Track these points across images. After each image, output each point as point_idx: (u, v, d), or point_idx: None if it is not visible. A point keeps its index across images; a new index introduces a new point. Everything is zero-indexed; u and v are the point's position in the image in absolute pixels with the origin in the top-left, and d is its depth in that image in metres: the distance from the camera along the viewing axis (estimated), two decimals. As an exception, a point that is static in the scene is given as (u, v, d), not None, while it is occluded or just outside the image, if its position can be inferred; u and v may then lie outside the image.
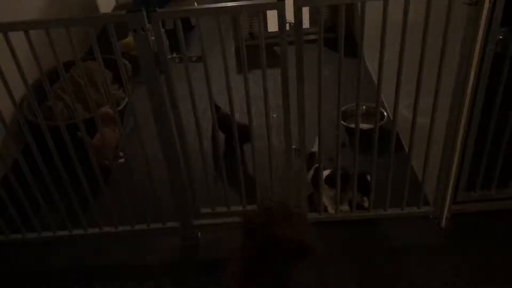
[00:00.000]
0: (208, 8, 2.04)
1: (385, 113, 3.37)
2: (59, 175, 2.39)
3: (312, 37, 2.89)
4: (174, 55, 2.20)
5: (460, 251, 2.47)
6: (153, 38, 2.04)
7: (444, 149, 2.37)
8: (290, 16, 1.98)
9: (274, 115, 3.39)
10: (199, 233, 2.68)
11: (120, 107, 3.45)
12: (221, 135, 3.10)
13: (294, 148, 2.40)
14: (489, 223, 2.58)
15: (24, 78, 2.13)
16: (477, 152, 2.39)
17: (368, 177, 2.52)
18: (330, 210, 2.65)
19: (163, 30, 2.07)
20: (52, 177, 2.42)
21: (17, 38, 2.03)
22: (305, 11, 2.03)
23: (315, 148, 2.78)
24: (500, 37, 2.36)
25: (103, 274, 2.55)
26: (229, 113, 2.30)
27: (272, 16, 2.42)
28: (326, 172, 2.58)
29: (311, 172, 2.70)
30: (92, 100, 2.34)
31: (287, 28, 2.01)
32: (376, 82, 3.56)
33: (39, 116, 2.27)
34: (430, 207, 2.60)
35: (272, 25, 4.14)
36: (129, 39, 4.24)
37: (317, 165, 2.59)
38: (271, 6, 1.98)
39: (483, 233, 2.54)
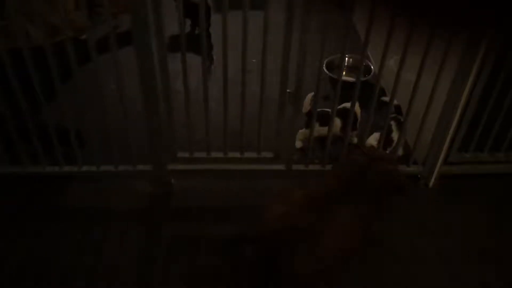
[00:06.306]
0: None
1: (371, 67, 3.20)
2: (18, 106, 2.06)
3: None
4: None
5: (446, 212, 2.39)
6: None
7: (444, 109, 2.25)
8: None
9: (254, 60, 3.14)
10: (172, 179, 2.44)
11: (84, 36, 3.05)
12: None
13: (289, 91, 2.18)
14: (474, 186, 2.51)
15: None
16: (476, 113, 2.28)
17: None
18: (297, 143, 2.61)
19: None
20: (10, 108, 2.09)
21: None
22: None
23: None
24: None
25: (61, 216, 2.27)
26: None
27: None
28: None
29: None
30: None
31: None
32: (360, 32, 3.40)
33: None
34: (419, 166, 2.50)
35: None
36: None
37: None
38: None
39: (469, 195, 2.48)
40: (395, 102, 2.51)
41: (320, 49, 2.10)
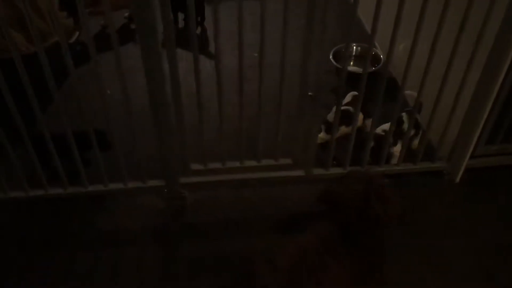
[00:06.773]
0: None
1: (381, 56, 3.05)
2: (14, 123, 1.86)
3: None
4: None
5: (475, 208, 2.28)
6: None
7: (473, 101, 2.12)
8: None
9: (256, 54, 2.96)
10: (186, 192, 2.28)
11: (73, 39, 2.83)
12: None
13: (310, 94, 2.01)
14: (500, 178, 2.40)
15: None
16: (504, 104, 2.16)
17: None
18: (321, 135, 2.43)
19: None
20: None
21: None
22: None
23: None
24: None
25: (68, 241, 2.09)
26: None
27: None
28: None
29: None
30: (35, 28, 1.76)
31: None
32: (363, 20, 3.24)
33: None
34: (443, 162, 2.38)
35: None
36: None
37: None
38: None
39: (496, 188, 2.37)
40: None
41: (325, 40, 1.92)
